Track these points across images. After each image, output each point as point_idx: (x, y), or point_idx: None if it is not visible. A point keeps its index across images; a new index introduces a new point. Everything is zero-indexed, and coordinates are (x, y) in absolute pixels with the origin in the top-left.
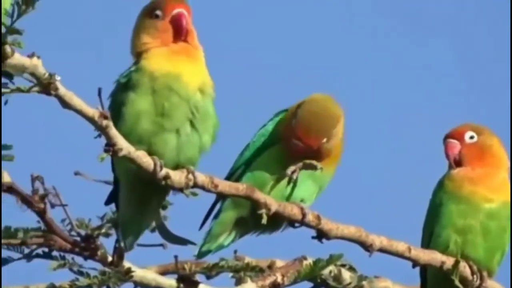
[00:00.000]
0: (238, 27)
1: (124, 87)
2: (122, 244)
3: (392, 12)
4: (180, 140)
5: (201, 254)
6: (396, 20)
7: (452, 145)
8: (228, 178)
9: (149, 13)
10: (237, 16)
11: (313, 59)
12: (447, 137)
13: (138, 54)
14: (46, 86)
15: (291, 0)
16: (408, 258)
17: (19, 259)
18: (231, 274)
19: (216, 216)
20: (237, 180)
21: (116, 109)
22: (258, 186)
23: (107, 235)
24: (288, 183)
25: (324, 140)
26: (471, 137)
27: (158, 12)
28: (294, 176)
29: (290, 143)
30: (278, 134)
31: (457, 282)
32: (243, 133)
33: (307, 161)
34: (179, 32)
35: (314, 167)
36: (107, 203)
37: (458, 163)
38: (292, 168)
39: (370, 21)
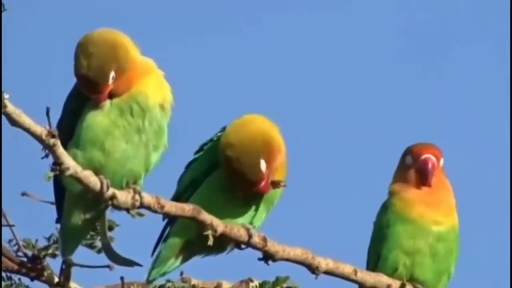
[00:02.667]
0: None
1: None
2: (60, 251)
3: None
4: (127, 151)
5: (150, 279)
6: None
7: (435, 164)
8: (176, 199)
9: None
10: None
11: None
12: (425, 152)
13: None
14: None
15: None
16: (354, 281)
17: None
18: None
19: (164, 240)
20: (186, 201)
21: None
22: (206, 208)
23: (54, 255)
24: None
25: (264, 166)
26: (441, 161)
27: None
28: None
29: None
30: (216, 161)
31: None
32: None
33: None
34: None
35: (278, 185)
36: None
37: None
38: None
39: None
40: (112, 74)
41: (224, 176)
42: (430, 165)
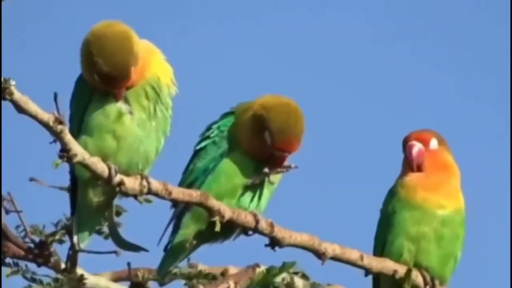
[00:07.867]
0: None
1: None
2: (75, 241)
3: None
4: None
5: (163, 273)
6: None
7: (419, 149)
8: (186, 187)
9: None
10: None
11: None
12: (411, 139)
13: None
14: (0, 91)
15: None
16: (361, 267)
17: None
18: (184, 282)
19: (174, 232)
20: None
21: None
22: (218, 194)
23: (61, 241)
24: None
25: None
26: (434, 144)
27: None
28: (271, 178)
29: (272, 155)
30: (235, 140)
31: None
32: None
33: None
34: None
35: (289, 167)
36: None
37: (418, 168)
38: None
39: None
40: (132, 68)
41: (241, 154)
42: (412, 152)
